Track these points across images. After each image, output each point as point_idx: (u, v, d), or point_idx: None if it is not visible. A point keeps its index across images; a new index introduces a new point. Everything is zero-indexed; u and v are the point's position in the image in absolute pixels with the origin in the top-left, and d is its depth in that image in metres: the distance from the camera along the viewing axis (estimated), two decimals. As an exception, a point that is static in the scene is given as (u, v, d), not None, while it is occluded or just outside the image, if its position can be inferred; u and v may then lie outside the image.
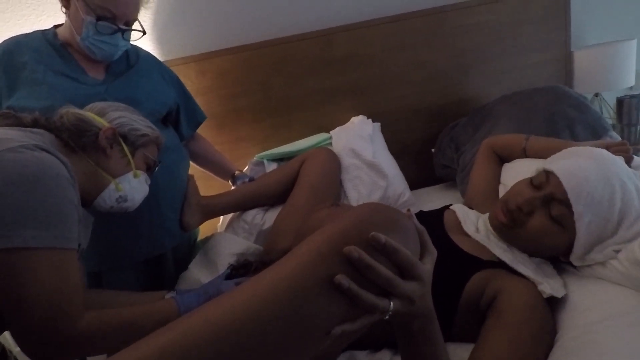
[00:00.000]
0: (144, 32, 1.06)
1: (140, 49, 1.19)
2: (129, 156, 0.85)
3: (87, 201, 0.81)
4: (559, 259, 0.79)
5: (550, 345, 0.65)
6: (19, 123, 0.75)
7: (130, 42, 1.09)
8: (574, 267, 0.77)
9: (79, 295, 0.63)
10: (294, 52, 1.60)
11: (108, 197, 0.82)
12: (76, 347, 0.62)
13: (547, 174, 0.76)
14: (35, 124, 0.76)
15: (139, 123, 0.88)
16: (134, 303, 0.82)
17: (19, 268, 0.58)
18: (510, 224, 0.78)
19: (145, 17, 1.53)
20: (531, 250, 0.80)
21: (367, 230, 0.44)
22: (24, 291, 0.58)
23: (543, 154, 0.95)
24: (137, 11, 1.02)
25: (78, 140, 0.78)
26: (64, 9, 1.00)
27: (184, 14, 1.57)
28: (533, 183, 0.78)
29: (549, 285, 0.71)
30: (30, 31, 1.05)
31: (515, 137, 1.08)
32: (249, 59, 1.59)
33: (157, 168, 0.95)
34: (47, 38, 1.02)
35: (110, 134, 0.81)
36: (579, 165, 0.73)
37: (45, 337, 0.60)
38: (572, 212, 0.70)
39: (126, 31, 1.01)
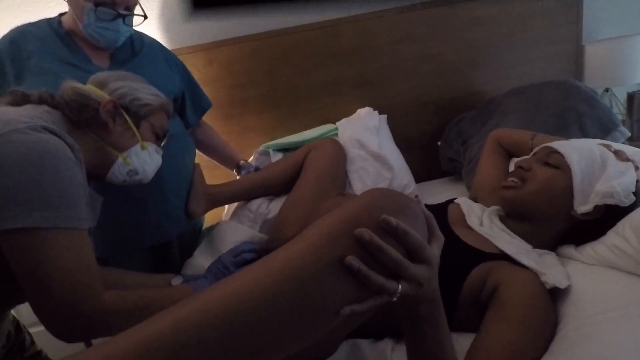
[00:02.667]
0: (145, 17, 1.05)
1: (146, 35, 1.19)
2: (134, 128, 0.82)
3: (99, 176, 0.82)
4: (566, 236, 0.81)
5: (551, 336, 0.65)
6: (26, 101, 0.75)
7: (135, 29, 1.09)
8: (578, 250, 0.78)
9: (96, 274, 0.64)
10: (301, 43, 1.60)
11: (118, 171, 0.82)
12: (100, 324, 0.63)
13: (536, 152, 0.91)
14: (41, 101, 0.75)
15: (142, 92, 0.84)
16: (143, 284, 0.85)
17: (34, 248, 0.58)
18: (519, 183, 0.86)
19: (153, 5, 1.54)
20: (541, 207, 0.83)
21: (376, 214, 0.44)
22: (42, 271, 0.58)
23: None
24: None
25: (80, 115, 0.76)
26: None
27: (192, 3, 1.56)
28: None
29: (552, 276, 0.71)
30: (37, 19, 1.05)
31: (521, 136, 1.08)
32: (256, 49, 1.59)
33: (166, 137, 0.92)
34: (52, 27, 1.03)
35: (111, 107, 0.78)
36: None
37: (69, 315, 0.60)
38: (562, 155, 0.83)
39: (127, 16, 1.01)
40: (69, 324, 0.61)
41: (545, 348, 0.64)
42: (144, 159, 0.85)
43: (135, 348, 0.38)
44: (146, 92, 0.85)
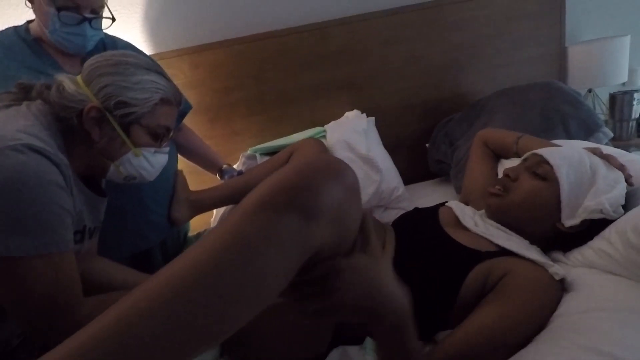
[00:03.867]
0: (114, 19, 1.02)
1: (119, 40, 1.16)
2: (122, 136, 0.75)
3: (100, 177, 0.80)
4: (553, 243, 0.81)
5: (539, 328, 0.65)
6: (25, 97, 0.73)
7: (106, 32, 1.05)
8: (565, 255, 0.79)
9: (74, 288, 0.65)
10: (289, 46, 1.59)
11: (115, 177, 0.80)
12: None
13: (526, 158, 0.89)
14: (38, 96, 0.73)
15: (132, 90, 0.73)
16: (133, 282, 0.86)
17: (8, 274, 0.59)
18: (502, 192, 0.85)
19: (137, 8, 1.52)
20: (524, 219, 0.82)
21: (310, 180, 0.44)
22: (17, 294, 0.60)
23: None
24: None
25: (66, 121, 0.71)
26: (29, 4, 0.96)
27: (176, 6, 1.54)
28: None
29: (559, 267, 0.71)
30: (4, 27, 1.02)
31: (507, 137, 1.08)
32: (243, 52, 1.57)
33: (171, 133, 0.84)
34: (19, 34, 1.00)
35: (95, 113, 0.71)
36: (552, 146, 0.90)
37: (46, 329, 0.62)
38: (551, 166, 0.80)
39: (93, 19, 0.97)
40: (47, 335, 0.63)
41: (529, 338, 0.64)
42: (139, 165, 0.80)
43: (79, 349, 0.37)
44: (138, 89, 0.74)
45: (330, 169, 0.46)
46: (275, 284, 0.43)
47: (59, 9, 0.92)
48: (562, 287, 0.71)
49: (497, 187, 0.86)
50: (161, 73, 0.79)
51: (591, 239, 0.76)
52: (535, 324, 0.65)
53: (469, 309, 0.71)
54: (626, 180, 0.80)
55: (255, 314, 0.42)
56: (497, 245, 0.78)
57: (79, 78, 0.74)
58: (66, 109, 0.70)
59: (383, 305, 0.52)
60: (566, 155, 0.82)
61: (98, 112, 0.72)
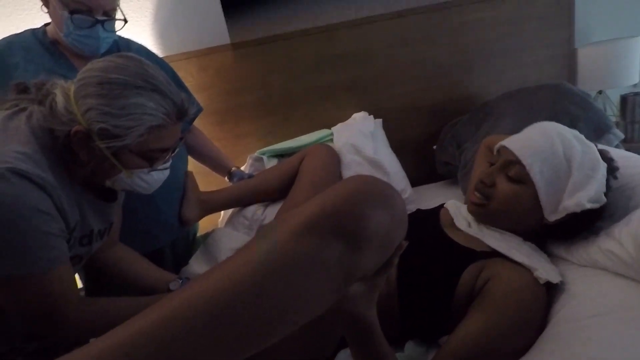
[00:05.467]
0: (126, 21, 1.03)
1: (133, 42, 1.18)
2: (112, 159, 0.70)
3: (103, 185, 0.79)
4: (553, 234, 0.81)
5: (532, 336, 0.65)
6: (23, 95, 0.73)
7: (120, 35, 1.07)
8: (569, 251, 0.78)
9: (62, 299, 0.68)
10: (296, 48, 1.60)
11: (114, 187, 0.79)
12: (74, 334, 0.70)
13: (499, 150, 0.85)
14: (41, 102, 0.72)
15: (115, 117, 0.66)
16: (145, 273, 0.96)
17: None
18: (481, 200, 0.83)
19: (146, 12, 1.54)
20: (511, 222, 0.82)
21: (358, 207, 0.44)
22: (6, 307, 0.68)
23: None
24: (113, 0, 1.00)
25: (60, 138, 0.68)
26: (44, 9, 0.98)
27: (185, 10, 1.56)
28: (491, 163, 0.86)
29: (545, 271, 0.71)
30: (21, 30, 1.04)
31: None
32: (251, 54, 1.58)
33: (171, 153, 0.79)
34: (37, 37, 1.02)
35: (82, 135, 0.67)
36: (523, 133, 0.85)
37: (43, 331, 0.69)
38: (524, 166, 0.77)
39: (106, 22, 0.98)
40: (45, 336, 0.70)
41: (522, 344, 0.64)
42: (133, 182, 0.76)
43: (121, 346, 0.38)
44: (123, 116, 0.66)
45: (379, 196, 0.46)
46: (314, 306, 0.43)
47: (71, 12, 0.93)
48: (546, 290, 0.71)
49: (477, 195, 0.84)
50: (158, 89, 0.70)
51: (590, 222, 0.76)
52: (524, 328, 0.66)
53: (464, 312, 0.71)
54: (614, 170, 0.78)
55: (288, 333, 0.42)
56: (489, 246, 0.79)
57: (71, 90, 0.69)
58: (56, 126, 0.67)
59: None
60: (537, 149, 0.78)
61: (85, 134, 0.67)
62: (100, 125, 0.66)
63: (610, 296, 0.64)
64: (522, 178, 0.78)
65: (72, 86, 0.69)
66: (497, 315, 0.66)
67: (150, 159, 0.75)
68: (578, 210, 0.73)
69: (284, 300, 0.41)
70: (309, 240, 0.42)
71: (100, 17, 0.97)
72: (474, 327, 0.65)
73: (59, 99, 0.68)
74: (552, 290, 0.71)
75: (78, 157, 0.70)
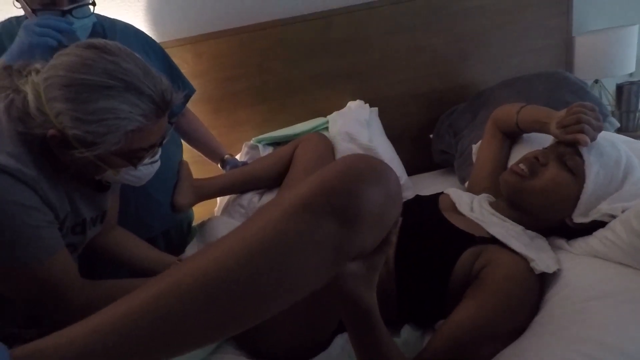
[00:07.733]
0: (94, 3, 0.96)
1: (118, 21, 1.13)
2: (95, 160, 0.67)
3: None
4: (557, 231, 0.81)
5: (523, 325, 0.66)
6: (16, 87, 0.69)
7: (108, 17, 1.04)
8: (569, 243, 0.78)
9: (61, 285, 0.69)
10: (292, 35, 1.58)
11: (104, 180, 0.79)
12: (81, 317, 0.68)
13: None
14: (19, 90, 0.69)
15: (86, 123, 0.61)
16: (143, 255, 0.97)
17: None
18: (525, 173, 0.81)
19: (140, -3, 1.51)
20: (539, 205, 0.81)
21: (353, 184, 0.44)
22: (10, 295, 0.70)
23: (533, 127, 0.95)
24: None
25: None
26: (17, 4, 0.93)
27: (179, -5, 1.53)
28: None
29: (541, 261, 0.71)
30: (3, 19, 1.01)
31: (511, 109, 1.04)
32: (246, 41, 1.56)
33: (155, 149, 0.76)
34: (20, 24, 0.98)
35: (58, 141, 0.64)
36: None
37: (48, 316, 0.72)
38: (583, 161, 0.76)
39: (73, 9, 0.91)
40: (53, 320, 0.71)
41: (516, 330, 0.65)
42: (122, 177, 0.76)
43: (122, 318, 0.39)
44: (94, 122, 0.61)
45: (372, 173, 0.45)
46: (308, 284, 0.43)
47: (34, 11, 0.89)
48: (541, 279, 0.71)
49: (522, 166, 0.82)
50: (132, 87, 0.64)
51: (593, 231, 0.75)
52: (518, 313, 0.66)
53: (459, 296, 0.72)
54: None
55: (282, 309, 0.43)
56: (489, 232, 0.79)
57: (41, 88, 0.62)
58: (32, 127, 0.63)
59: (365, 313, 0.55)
60: (604, 153, 0.77)
61: (60, 139, 0.63)
62: (73, 132, 0.62)
63: (607, 281, 0.65)
64: (576, 170, 0.77)
65: (40, 82, 0.63)
66: (492, 302, 0.66)
67: (135, 158, 0.72)
68: (611, 214, 0.72)
69: (278, 277, 0.41)
70: (303, 218, 0.42)
71: (66, 8, 0.91)
72: (469, 313, 0.66)
73: (30, 98, 0.63)
74: (549, 276, 0.72)
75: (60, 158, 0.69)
